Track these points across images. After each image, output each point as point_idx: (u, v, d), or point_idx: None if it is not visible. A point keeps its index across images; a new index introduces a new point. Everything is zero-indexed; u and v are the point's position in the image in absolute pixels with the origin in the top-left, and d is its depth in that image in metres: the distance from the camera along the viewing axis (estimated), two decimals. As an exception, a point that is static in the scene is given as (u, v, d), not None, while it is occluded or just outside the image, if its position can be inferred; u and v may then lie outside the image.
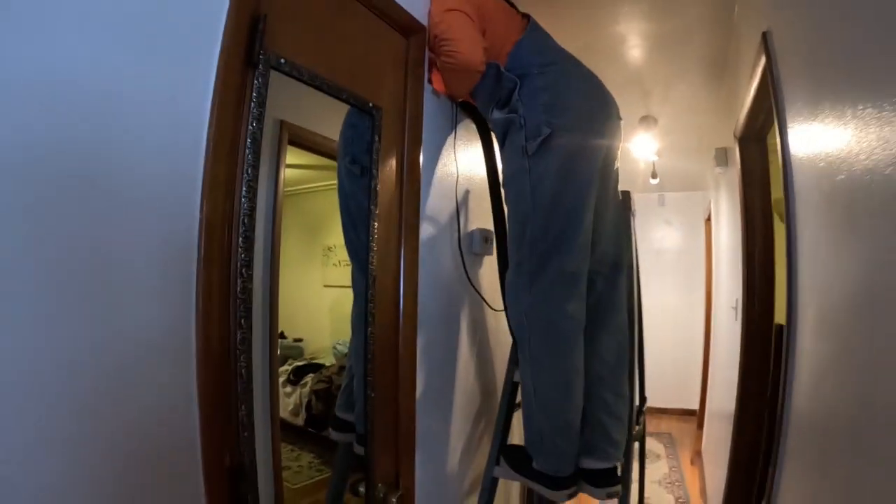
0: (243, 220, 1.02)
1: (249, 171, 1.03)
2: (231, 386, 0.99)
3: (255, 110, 1.05)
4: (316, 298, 1.80)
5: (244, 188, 1.02)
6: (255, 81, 1.06)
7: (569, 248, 1.60)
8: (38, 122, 0.73)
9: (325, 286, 1.81)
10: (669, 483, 4.61)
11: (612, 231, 1.81)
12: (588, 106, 1.67)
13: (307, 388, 1.78)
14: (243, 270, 1.01)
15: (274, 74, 1.11)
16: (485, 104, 1.80)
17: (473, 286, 2.07)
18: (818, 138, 1.27)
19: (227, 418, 0.98)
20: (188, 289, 0.93)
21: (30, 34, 0.72)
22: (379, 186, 1.48)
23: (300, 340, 1.87)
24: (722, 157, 3.41)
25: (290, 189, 1.45)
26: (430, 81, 1.78)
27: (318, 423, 1.70)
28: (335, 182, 1.61)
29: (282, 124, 1.36)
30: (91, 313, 0.79)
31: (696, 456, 5.13)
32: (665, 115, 3.98)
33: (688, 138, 4.59)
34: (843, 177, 1.09)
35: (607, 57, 2.88)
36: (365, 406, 1.44)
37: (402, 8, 1.60)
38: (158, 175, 0.90)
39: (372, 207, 1.45)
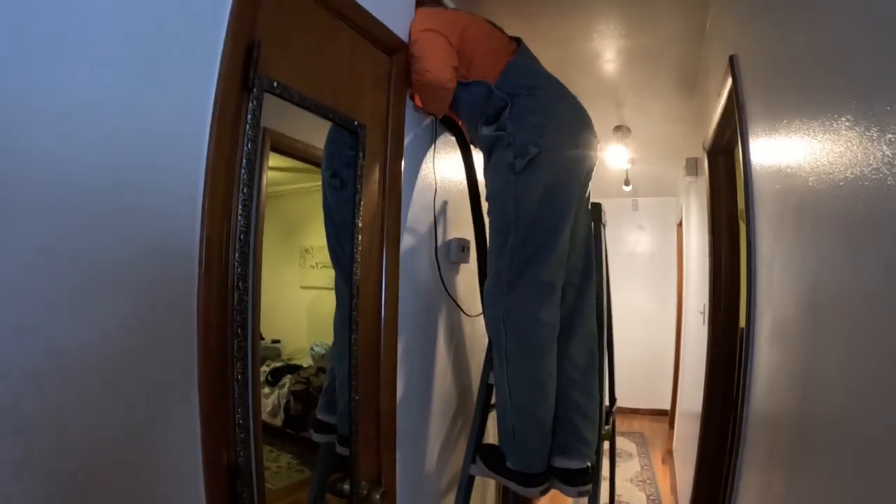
0: (240, 236, 1.08)
1: (245, 191, 1.09)
2: (229, 390, 1.05)
3: (249, 132, 1.11)
4: (294, 300, 1.82)
5: (240, 206, 1.08)
6: (251, 104, 1.12)
7: (546, 260, 1.67)
8: (55, 145, 0.78)
9: (303, 287, 1.83)
10: (641, 481, 4.69)
11: (583, 245, 1.89)
12: (572, 129, 1.75)
13: (285, 390, 1.79)
14: (239, 283, 1.07)
15: (266, 95, 1.17)
16: (472, 120, 1.86)
17: (449, 294, 2.15)
18: (775, 155, 1.36)
19: (225, 420, 1.04)
20: (189, 301, 0.99)
21: (46, 62, 0.77)
22: (363, 200, 1.54)
23: (278, 342, 1.87)
24: (692, 167, 3.50)
25: (268, 189, 1.44)
26: (411, 97, 1.85)
27: (296, 423, 1.72)
28: (314, 184, 1.65)
29: (265, 131, 1.39)
30: (102, 322, 0.84)
31: (668, 455, 5.22)
32: (638, 124, 4.06)
33: (660, 147, 4.68)
34: (793, 190, 1.19)
35: (582, 70, 2.95)
36: (349, 408, 1.50)
37: (385, 28, 1.65)
38: (163, 194, 0.95)
39: (357, 221, 1.51)
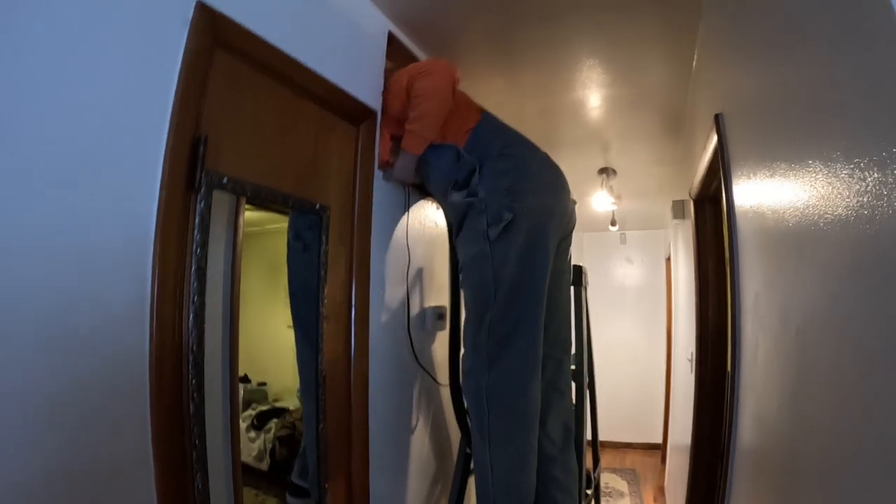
0: (192, 347, 1.02)
1: (196, 299, 1.02)
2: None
3: (198, 237, 1.04)
4: (280, 339, 1.78)
5: (191, 316, 1.02)
6: (199, 205, 1.05)
7: (529, 329, 1.61)
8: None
9: (289, 326, 1.76)
10: (632, 521, 4.63)
11: (564, 316, 1.84)
12: (546, 189, 1.70)
13: (271, 434, 1.78)
14: (194, 395, 1.02)
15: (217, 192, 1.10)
16: (440, 186, 1.79)
17: (422, 365, 2.08)
18: (757, 203, 1.39)
19: None
20: (143, 419, 0.94)
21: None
22: (327, 287, 1.47)
23: (264, 384, 1.88)
24: (679, 209, 3.49)
25: (250, 229, 1.45)
26: (380, 167, 1.79)
27: (282, 468, 1.70)
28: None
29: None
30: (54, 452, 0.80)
31: (659, 492, 5.13)
32: (624, 166, 4.03)
33: (648, 186, 4.66)
34: (774, 234, 1.22)
35: (567, 117, 2.92)
36: (318, 476, 1.46)
37: (351, 97, 1.59)
38: (108, 314, 0.90)
39: (322, 309, 1.45)
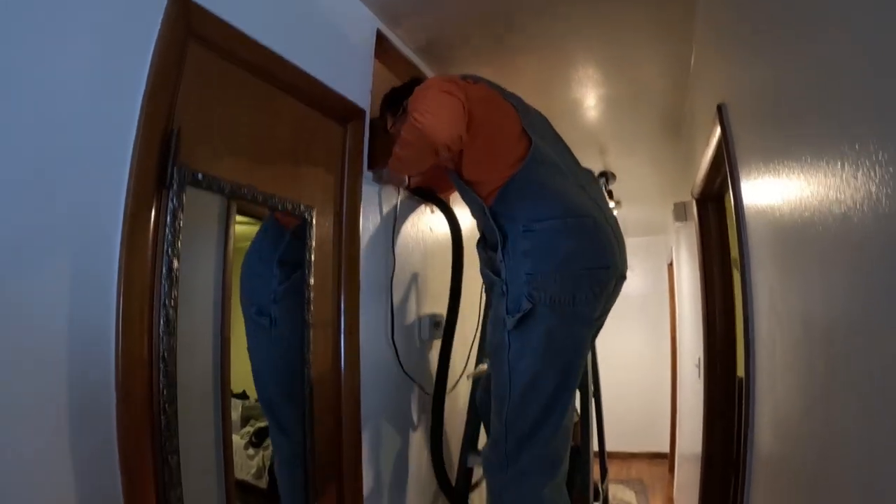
0: (163, 355, 0.95)
1: (168, 302, 0.96)
2: None
3: (170, 236, 0.97)
4: None
5: (162, 323, 0.95)
6: (170, 202, 0.98)
7: (550, 432, 1.50)
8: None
9: None
10: (642, 534, 4.54)
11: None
12: (578, 271, 1.49)
13: (269, 451, 1.71)
14: (166, 406, 0.95)
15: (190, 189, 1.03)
16: (475, 219, 1.66)
17: (409, 376, 2.00)
18: (769, 198, 1.32)
19: None
20: (109, 430, 0.87)
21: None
22: (314, 296, 1.40)
23: None
24: (681, 212, 3.44)
25: (241, 244, 1.41)
26: (369, 168, 1.70)
27: None
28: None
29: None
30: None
31: (668, 503, 5.08)
32: (624, 169, 4.00)
33: (647, 189, 4.64)
34: (791, 230, 1.14)
35: (564, 118, 2.87)
36: (306, 494, 1.41)
37: (337, 94, 1.52)
38: (66, 318, 0.83)
39: (307, 318, 1.37)
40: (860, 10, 0.74)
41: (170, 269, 0.96)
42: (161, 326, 0.94)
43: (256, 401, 1.77)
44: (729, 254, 2.56)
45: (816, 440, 1.01)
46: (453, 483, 2.01)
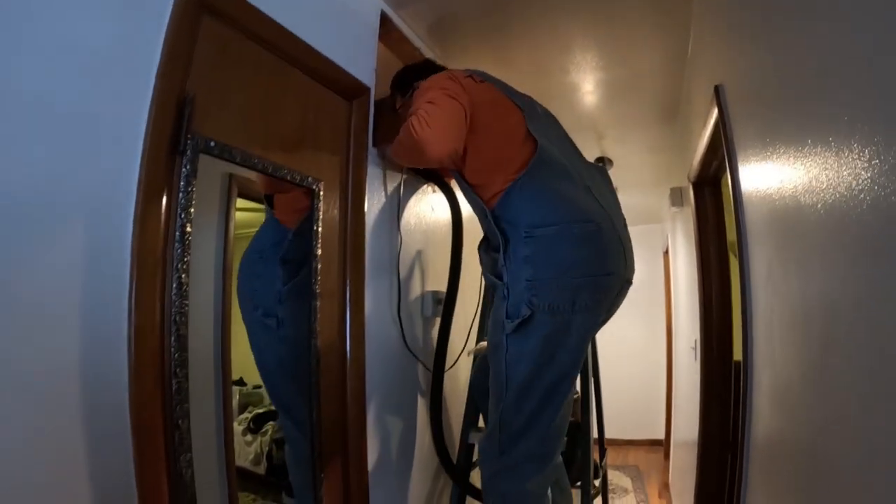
0: (175, 318, 0.97)
1: (180, 267, 0.98)
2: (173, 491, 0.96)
3: (182, 199, 0.99)
4: None
5: (175, 287, 0.97)
6: (183, 169, 1.00)
7: (542, 430, 1.53)
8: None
9: None
10: (637, 518, 4.60)
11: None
12: (579, 279, 1.49)
13: (267, 437, 1.75)
14: (177, 370, 0.97)
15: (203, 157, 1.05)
16: (477, 217, 1.67)
17: (413, 352, 2.03)
18: (767, 182, 1.33)
19: None
20: (121, 398, 0.90)
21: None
22: (321, 266, 1.42)
23: (260, 387, 1.81)
24: (677, 197, 3.48)
25: (241, 232, 1.41)
26: (374, 144, 1.72)
27: (279, 471, 1.67)
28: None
29: (231, 178, 1.33)
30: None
31: (664, 488, 5.12)
32: (620, 155, 4.03)
33: (643, 176, 4.68)
34: (790, 213, 1.16)
35: (561, 103, 2.90)
36: (313, 489, 1.43)
37: (343, 70, 1.54)
38: (87, 278, 0.86)
39: (315, 288, 1.40)
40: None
41: (182, 233, 0.98)
42: (173, 290, 0.97)
43: (255, 387, 1.77)
44: (725, 238, 2.59)
45: (814, 419, 1.03)
46: (454, 460, 2.05)
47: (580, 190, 1.58)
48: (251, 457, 1.69)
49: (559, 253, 1.48)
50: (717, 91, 1.80)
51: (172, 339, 0.96)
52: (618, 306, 1.69)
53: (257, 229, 1.56)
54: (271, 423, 1.77)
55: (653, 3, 2.13)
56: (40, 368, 0.80)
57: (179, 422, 0.97)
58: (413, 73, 1.79)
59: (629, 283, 1.65)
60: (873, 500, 0.74)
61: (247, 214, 1.47)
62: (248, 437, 1.71)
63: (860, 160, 0.75)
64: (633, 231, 5.88)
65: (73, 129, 0.85)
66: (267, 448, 1.71)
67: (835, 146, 0.86)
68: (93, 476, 0.84)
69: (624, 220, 1.71)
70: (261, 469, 1.68)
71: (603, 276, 1.50)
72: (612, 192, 1.75)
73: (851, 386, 0.84)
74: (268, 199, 1.52)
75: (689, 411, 3.24)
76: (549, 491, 1.62)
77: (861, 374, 0.80)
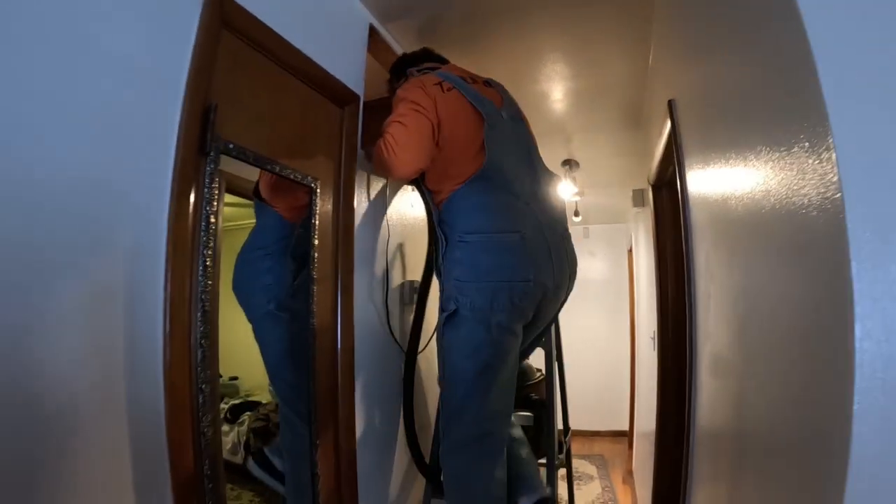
0: (202, 295, 1.10)
1: (206, 252, 1.11)
2: (197, 445, 1.09)
3: (207, 194, 1.13)
4: (251, 335, 1.74)
5: (201, 268, 1.11)
6: (209, 167, 1.13)
7: (473, 413, 1.62)
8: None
9: None
10: (602, 503, 4.77)
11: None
12: (495, 283, 1.60)
13: (245, 427, 1.81)
14: (202, 341, 1.10)
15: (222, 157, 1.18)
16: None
17: (395, 338, 2.17)
18: (707, 187, 1.49)
19: (193, 470, 1.08)
20: (155, 363, 1.03)
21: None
22: (318, 255, 1.55)
23: (235, 378, 1.90)
24: (639, 198, 3.63)
25: (227, 225, 1.43)
26: (362, 146, 1.86)
27: (258, 460, 1.70)
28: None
29: (220, 174, 1.41)
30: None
31: (628, 475, 5.29)
32: (587, 158, 4.17)
33: (609, 177, 4.82)
34: (722, 215, 1.32)
35: (532, 110, 2.87)
36: (310, 452, 1.53)
37: (336, 79, 1.68)
38: (125, 259, 0.99)
39: (313, 273, 1.52)
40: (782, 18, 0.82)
41: (207, 223, 1.13)
42: (199, 271, 1.11)
43: (230, 379, 1.85)
44: (681, 234, 2.75)
45: (737, 375, 1.20)
46: (429, 443, 2.16)
47: (518, 202, 1.70)
48: (228, 446, 1.76)
49: (481, 259, 1.61)
50: (671, 105, 1.94)
51: (199, 313, 1.10)
52: (552, 310, 1.82)
53: (252, 227, 1.65)
54: (248, 413, 1.85)
55: (618, 20, 2.27)
56: (101, 335, 0.94)
57: (203, 386, 1.11)
58: (410, 61, 1.98)
59: (560, 289, 1.77)
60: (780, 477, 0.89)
61: (232, 209, 1.53)
62: (226, 427, 1.78)
63: (766, 168, 0.91)
64: (601, 230, 6.01)
65: (117, 135, 0.98)
66: (244, 438, 1.78)
67: (751, 158, 1.01)
68: (131, 422, 0.98)
69: (564, 231, 1.86)
70: (238, 458, 1.74)
71: (519, 282, 1.61)
72: (554, 209, 1.88)
73: (761, 348, 1.01)
74: (257, 195, 1.62)
75: (651, 403, 3.35)
76: (504, 467, 1.71)
77: (766, 342, 0.97)
